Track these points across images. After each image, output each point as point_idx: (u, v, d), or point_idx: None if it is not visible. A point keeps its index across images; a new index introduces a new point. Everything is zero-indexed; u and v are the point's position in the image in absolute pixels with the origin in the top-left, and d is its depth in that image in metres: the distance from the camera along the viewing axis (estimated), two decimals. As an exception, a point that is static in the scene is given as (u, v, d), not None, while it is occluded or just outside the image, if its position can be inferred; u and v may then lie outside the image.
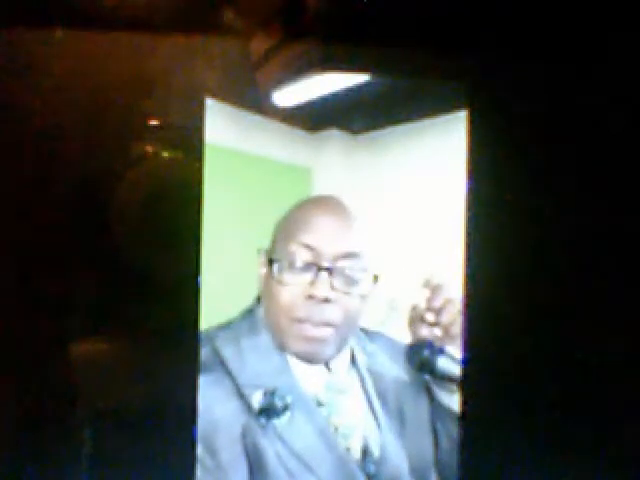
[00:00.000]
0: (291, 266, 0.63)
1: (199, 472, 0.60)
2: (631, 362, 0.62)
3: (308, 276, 0.63)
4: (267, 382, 0.63)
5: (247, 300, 0.68)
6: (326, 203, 0.68)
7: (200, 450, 0.60)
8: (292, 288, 0.63)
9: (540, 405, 0.62)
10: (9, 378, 0.58)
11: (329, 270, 0.63)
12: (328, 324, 0.64)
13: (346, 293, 0.64)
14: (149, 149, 0.61)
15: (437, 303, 0.66)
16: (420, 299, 0.67)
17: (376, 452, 0.65)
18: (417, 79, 0.66)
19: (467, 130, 0.63)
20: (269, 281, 0.65)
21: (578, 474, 0.61)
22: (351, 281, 0.65)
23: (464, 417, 0.63)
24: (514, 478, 0.62)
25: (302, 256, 0.63)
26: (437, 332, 0.66)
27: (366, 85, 0.67)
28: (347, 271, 0.64)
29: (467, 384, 0.63)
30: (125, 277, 0.60)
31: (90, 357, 0.60)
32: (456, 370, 0.64)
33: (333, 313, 0.64)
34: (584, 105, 0.62)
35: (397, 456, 0.66)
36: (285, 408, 0.62)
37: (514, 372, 0.62)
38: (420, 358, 0.66)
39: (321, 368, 0.66)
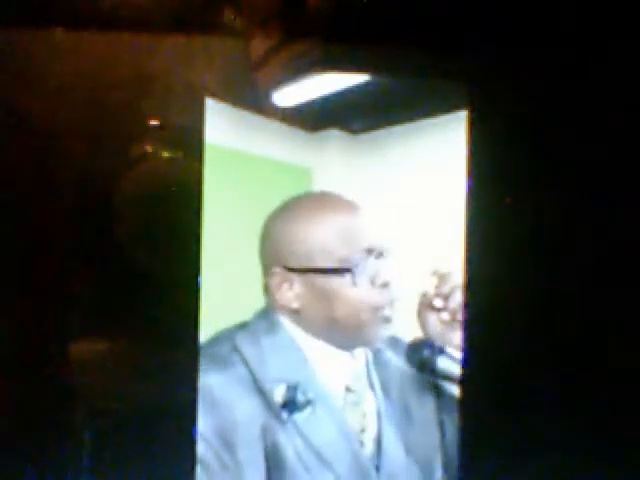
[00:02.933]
0: (359, 270, 0.67)
1: (218, 469, 0.60)
2: (632, 361, 0.62)
3: (373, 270, 0.67)
4: (289, 377, 0.64)
5: (246, 300, 0.68)
6: (342, 203, 0.69)
7: (219, 447, 0.60)
8: (366, 286, 0.67)
9: (540, 405, 0.62)
10: (9, 378, 0.58)
11: (382, 257, 0.68)
12: (395, 302, 0.69)
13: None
14: (149, 149, 0.61)
15: (445, 289, 0.69)
16: (429, 287, 0.71)
17: (384, 445, 0.66)
18: (417, 79, 0.66)
19: (467, 130, 0.63)
20: (328, 289, 0.67)
21: (578, 474, 0.61)
22: (388, 257, 0.69)
23: (464, 417, 0.63)
24: (514, 478, 0.62)
25: (363, 260, 0.67)
26: (445, 317, 0.69)
27: (366, 85, 0.67)
28: (387, 250, 0.69)
29: (467, 384, 0.63)
30: (125, 277, 0.60)
31: (90, 357, 0.60)
32: (456, 370, 0.64)
33: (394, 290, 0.68)
34: (584, 105, 0.62)
35: (401, 449, 0.67)
36: (307, 403, 0.63)
37: (514, 372, 0.62)
38: (420, 358, 0.67)
39: (348, 356, 0.68)
